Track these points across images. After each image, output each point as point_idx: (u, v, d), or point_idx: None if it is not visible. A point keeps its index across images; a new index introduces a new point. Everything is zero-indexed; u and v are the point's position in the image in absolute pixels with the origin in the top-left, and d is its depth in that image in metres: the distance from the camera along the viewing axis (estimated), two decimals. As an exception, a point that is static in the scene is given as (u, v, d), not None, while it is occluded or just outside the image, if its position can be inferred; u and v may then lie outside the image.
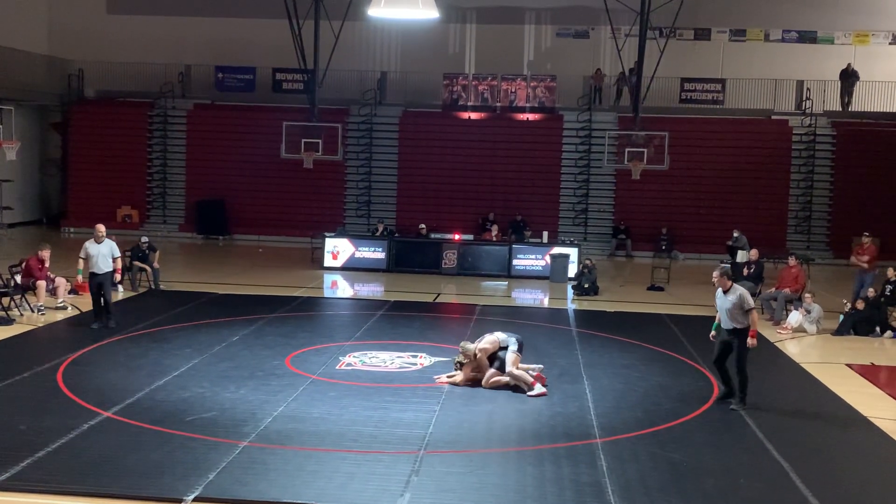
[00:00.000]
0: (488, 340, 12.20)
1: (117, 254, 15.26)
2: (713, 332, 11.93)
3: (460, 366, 12.29)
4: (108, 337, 14.30)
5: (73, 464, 8.74)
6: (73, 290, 18.06)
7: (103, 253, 14.99)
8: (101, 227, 15.28)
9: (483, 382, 11.97)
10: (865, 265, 18.72)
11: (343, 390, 11.75)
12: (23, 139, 26.95)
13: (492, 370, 12.01)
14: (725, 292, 11.43)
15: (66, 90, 33.22)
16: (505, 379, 11.91)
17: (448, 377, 12.27)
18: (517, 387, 11.85)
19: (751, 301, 11.34)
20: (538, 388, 11.81)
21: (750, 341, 11.35)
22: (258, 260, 26.04)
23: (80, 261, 15.13)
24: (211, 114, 32.82)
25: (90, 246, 15.01)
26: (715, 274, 11.59)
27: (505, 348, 12.10)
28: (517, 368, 11.92)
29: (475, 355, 12.06)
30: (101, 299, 15.06)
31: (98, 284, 14.98)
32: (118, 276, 15.67)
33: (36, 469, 8.53)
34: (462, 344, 12.32)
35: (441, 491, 8.39)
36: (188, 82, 33.44)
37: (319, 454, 9.23)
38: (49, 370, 12.22)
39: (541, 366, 12.78)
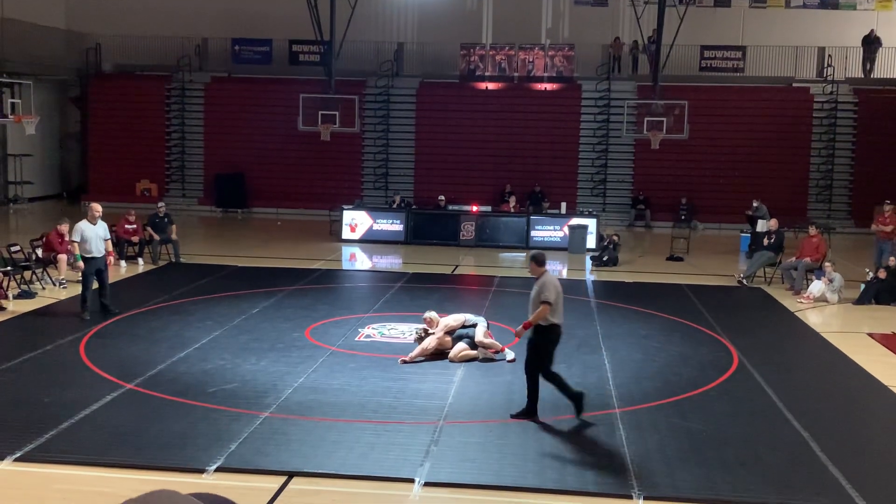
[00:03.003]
0: (454, 318, 12.31)
1: (108, 235, 14.37)
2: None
3: (425, 333, 12.22)
4: (128, 310, 14.39)
5: (96, 435, 8.84)
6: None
7: (99, 234, 13.95)
8: (98, 207, 14.24)
9: (451, 356, 11.90)
10: (888, 230, 18.59)
11: (363, 362, 11.81)
12: (42, 114, 27.04)
13: (461, 344, 12.03)
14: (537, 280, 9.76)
15: (84, 64, 33.27)
16: (473, 353, 12.00)
17: (412, 356, 11.88)
18: (488, 359, 11.99)
19: (549, 294, 9.44)
20: (510, 354, 12.03)
21: (518, 330, 9.69)
22: (277, 233, 26.13)
23: (75, 244, 13.87)
24: (228, 87, 32.80)
25: (86, 227, 13.79)
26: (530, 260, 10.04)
27: (470, 326, 12.23)
28: (486, 339, 12.18)
29: (437, 325, 12.12)
30: (99, 286, 14.14)
31: (98, 270, 13.98)
32: (111, 259, 14.68)
33: (60, 440, 8.64)
34: (428, 313, 12.38)
35: (460, 460, 8.43)
36: (205, 55, 33.40)
37: (340, 425, 9.29)
38: (71, 343, 12.35)
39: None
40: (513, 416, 9.60)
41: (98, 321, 13.59)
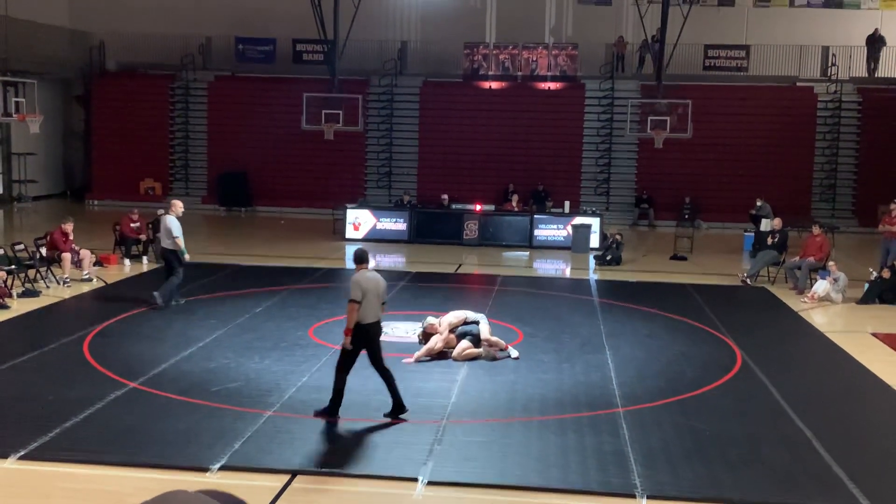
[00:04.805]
0: (454, 315, 12.40)
1: None
2: None
3: (425, 337, 12.31)
4: (132, 309, 14.40)
5: (100, 434, 8.86)
6: (99, 263, 18.23)
7: None
8: (181, 203, 15.20)
9: (454, 355, 11.92)
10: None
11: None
12: (45, 112, 27.07)
13: (465, 342, 12.06)
14: None
15: (87, 63, 33.31)
16: (477, 350, 12.01)
17: (418, 356, 11.94)
18: (492, 357, 11.98)
19: (353, 291, 9.37)
20: (514, 352, 12.14)
21: (344, 340, 9.56)
22: (280, 232, 26.12)
23: (179, 239, 14.47)
24: (232, 85, 32.81)
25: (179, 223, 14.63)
26: None
27: (472, 323, 12.29)
28: (492, 336, 12.24)
29: (441, 327, 12.21)
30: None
31: None
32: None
33: (64, 438, 8.66)
34: (427, 320, 12.44)
35: (463, 459, 8.44)
36: (209, 54, 33.41)
37: (343, 423, 9.30)
38: (76, 341, 12.37)
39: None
40: (316, 414, 9.45)
41: (103, 319, 13.60)
